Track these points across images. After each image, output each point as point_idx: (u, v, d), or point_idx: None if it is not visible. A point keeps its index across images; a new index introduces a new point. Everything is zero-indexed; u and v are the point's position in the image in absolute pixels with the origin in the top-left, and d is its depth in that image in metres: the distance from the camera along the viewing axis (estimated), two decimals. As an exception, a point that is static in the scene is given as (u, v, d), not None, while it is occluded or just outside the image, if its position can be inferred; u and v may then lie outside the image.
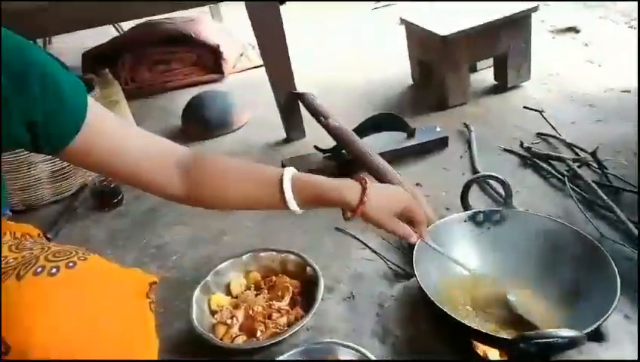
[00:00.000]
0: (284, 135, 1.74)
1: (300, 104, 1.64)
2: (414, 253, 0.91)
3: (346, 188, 0.76)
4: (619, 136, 1.41)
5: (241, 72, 2.52)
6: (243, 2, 1.48)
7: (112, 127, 0.68)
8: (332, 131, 1.38)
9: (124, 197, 1.52)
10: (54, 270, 0.48)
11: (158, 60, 2.42)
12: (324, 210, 1.14)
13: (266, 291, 1.05)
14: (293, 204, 0.74)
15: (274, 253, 1.11)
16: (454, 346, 0.86)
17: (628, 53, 1.94)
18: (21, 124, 0.59)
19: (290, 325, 0.96)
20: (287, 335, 0.92)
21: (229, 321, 0.98)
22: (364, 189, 0.76)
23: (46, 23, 1.38)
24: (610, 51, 2.00)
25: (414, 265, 0.90)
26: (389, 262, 1.10)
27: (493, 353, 0.84)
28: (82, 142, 0.64)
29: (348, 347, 0.87)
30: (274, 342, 0.92)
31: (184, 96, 2.09)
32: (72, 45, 3.16)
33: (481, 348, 0.85)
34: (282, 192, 0.73)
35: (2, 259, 0.51)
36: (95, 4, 1.36)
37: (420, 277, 0.88)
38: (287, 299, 1.02)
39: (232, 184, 0.75)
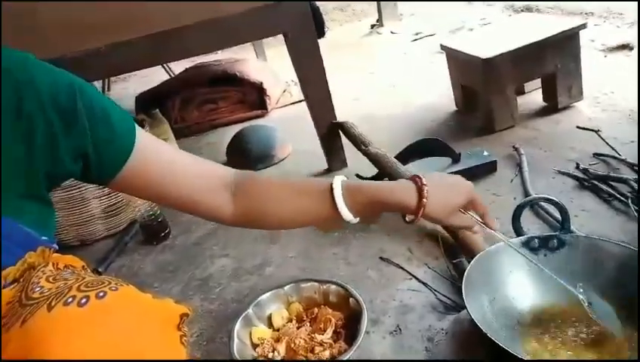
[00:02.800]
0: (325, 165, 1.74)
1: (342, 134, 1.63)
2: (463, 282, 0.86)
3: (402, 189, 0.73)
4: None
5: (283, 107, 2.57)
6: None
7: (161, 152, 0.70)
8: (373, 158, 1.36)
9: (172, 231, 1.55)
10: (84, 300, 0.47)
11: (205, 100, 2.52)
12: (368, 238, 1.11)
13: (308, 323, 1.02)
14: (345, 212, 0.71)
15: (316, 283, 1.07)
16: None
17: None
18: (72, 158, 0.61)
19: (333, 359, 0.91)
20: None
21: (270, 355, 0.95)
22: (420, 188, 0.72)
23: (101, 66, 1.46)
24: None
25: (464, 296, 0.84)
26: (437, 293, 1.04)
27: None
28: (132, 169, 0.65)
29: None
30: None
31: (230, 132, 2.14)
32: (126, 92, 3.37)
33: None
34: (334, 200, 0.70)
35: (39, 288, 0.51)
36: (146, 45, 1.43)
37: (470, 308, 0.82)
38: (329, 332, 0.97)
39: (283, 199, 0.74)
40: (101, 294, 0.48)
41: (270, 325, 1.04)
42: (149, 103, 2.37)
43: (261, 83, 2.48)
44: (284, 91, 2.71)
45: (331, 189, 0.71)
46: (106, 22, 1.37)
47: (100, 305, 0.47)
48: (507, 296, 0.92)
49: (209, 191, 0.72)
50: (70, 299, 0.47)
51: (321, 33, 1.56)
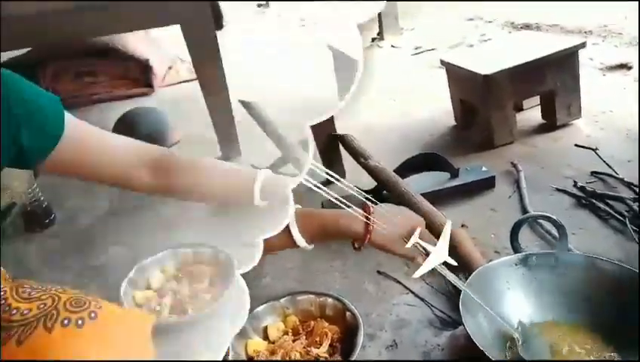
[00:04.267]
0: (218, 153, 1.72)
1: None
2: (461, 297, 0.86)
3: (351, 217, 0.79)
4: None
5: (169, 85, 2.45)
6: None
7: (89, 132, 0.76)
8: (372, 171, 1.36)
9: (56, 217, 1.51)
10: (80, 321, 0.53)
11: (83, 72, 2.35)
12: (365, 251, 1.10)
13: (304, 337, 1.01)
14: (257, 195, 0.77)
15: (312, 296, 1.07)
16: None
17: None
18: (7, 146, 0.66)
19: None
20: (216, 305, 0.87)
21: (157, 308, 0.95)
22: (367, 218, 0.78)
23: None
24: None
25: (461, 312, 0.84)
26: (434, 308, 1.04)
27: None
28: (64, 149, 0.71)
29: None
30: (207, 312, 0.87)
31: (113, 111, 2.05)
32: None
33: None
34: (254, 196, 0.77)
35: (15, 310, 0.55)
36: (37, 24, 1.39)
37: (467, 324, 0.82)
38: (325, 346, 0.97)
39: (206, 177, 0.82)
40: (93, 315, 0.53)
41: (265, 337, 1.03)
42: (16, 72, 2.29)
43: (147, 60, 2.34)
44: (170, 68, 2.57)
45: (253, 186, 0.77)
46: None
47: (95, 326, 0.53)
48: (504, 312, 0.92)
49: (135, 168, 0.79)
50: (66, 321, 0.52)
51: (219, 25, 1.57)
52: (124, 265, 1.22)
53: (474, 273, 0.92)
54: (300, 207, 0.80)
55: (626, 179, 1.32)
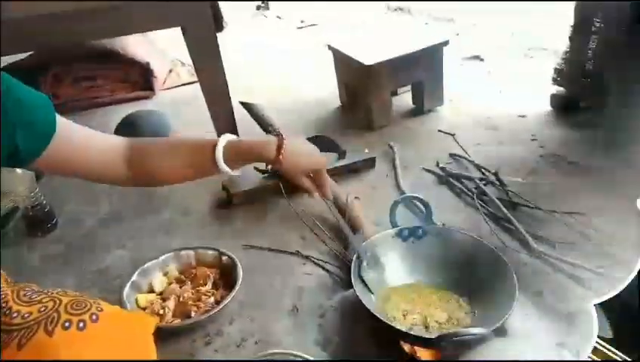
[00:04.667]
0: None
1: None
2: (352, 262, 1.04)
3: (267, 144, 0.93)
4: (516, 156, 1.65)
5: (170, 88, 2.53)
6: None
7: (76, 130, 0.80)
8: None
9: (58, 222, 1.50)
10: (81, 324, 0.55)
11: (82, 76, 2.36)
12: (265, 228, 1.23)
13: (189, 282, 1.16)
14: (224, 167, 0.90)
15: (191, 251, 1.23)
16: (388, 349, 0.99)
17: (524, 81, 2.24)
18: (6, 145, 0.68)
19: (218, 303, 1.08)
20: (221, 307, 1.06)
21: (161, 312, 1.07)
22: (279, 146, 0.92)
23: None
24: (509, 78, 2.30)
25: (352, 273, 1.02)
26: (329, 273, 1.21)
27: (422, 352, 0.98)
28: (56, 147, 0.75)
29: (292, 354, 0.98)
30: (211, 314, 1.04)
31: (114, 114, 2.07)
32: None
33: (411, 348, 0.99)
34: (214, 157, 0.89)
35: (16, 313, 0.56)
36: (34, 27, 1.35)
37: (356, 285, 1.00)
38: (209, 284, 1.15)
39: (168, 158, 0.89)
40: (94, 317, 0.56)
41: (152, 291, 1.16)
42: (19, 78, 2.16)
43: (147, 63, 2.40)
44: (171, 71, 2.65)
45: (214, 148, 0.89)
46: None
47: (97, 328, 0.55)
48: (384, 276, 1.12)
49: (114, 162, 0.85)
50: (67, 324, 0.54)
51: (219, 27, 1.61)
52: (126, 268, 1.25)
53: (365, 242, 1.11)
54: (231, 138, 0.91)
55: (475, 162, 1.62)
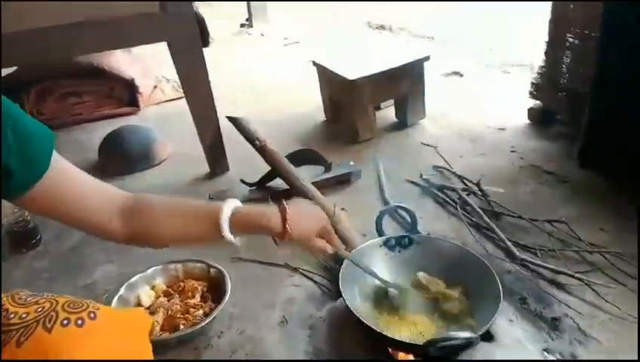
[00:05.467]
0: (206, 169, 1.81)
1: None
2: (340, 273, 1.05)
3: (271, 215, 0.85)
4: (497, 167, 1.70)
5: (155, 104, 2.54)
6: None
7: (73, 174, 0.74)
8: (268, 156, 1.50)
9: (43, 238, 1.49)
10: (80, 321, 0.56)
11: (67, 93, 2.36)
12: (254, 241, 1.24)
13: (177, 296, 1.16)
14: (229, 236, 0.81)
15: (179, 264, 1.23)
16: (377, 356, 1.00)
17: (502, 95, 2.31)
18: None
19: (207, 316, 1.08)
20: (209, 320, 1.06)
21: None
22: (284, 218, 0.85)
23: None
24: (488, 93, 2.37)
25: (340, 284, 1.04)
26: (317, 284, 1.22)
27: (410, 357, 1.00)
28: (44, 186, 0.69)
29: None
30: (200, 327, 1.04)
31: (99, 130, 2.07)
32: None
33: (399, 354, 1.00)
34: (219, 225, 0.80)
35: (13, 314, 0.56)
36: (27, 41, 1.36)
37: (345, 293, 1.02)
38: (197, 297, 1.15)
39: (168, 222, 0.82)
40: (92, 315, 0.57)
41: (139, 305, 1.15)
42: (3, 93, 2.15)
43: (132, 79, 2.41)
44: (155, 87, 2.66)
45: (218, 218, 0.79)
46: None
47: (95, 324, 0.56)
48: (372, 283, 1.14)
49: (106, 214, 0.77)
50: (66, 321, 0.55)
51: (205, 43, 1.63)
52: (113, 282, 1.24)
53: (353, 251, 1.13)
54: (235, 205, 0.84)
55: (457, 173, 1.65)
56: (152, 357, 0.63)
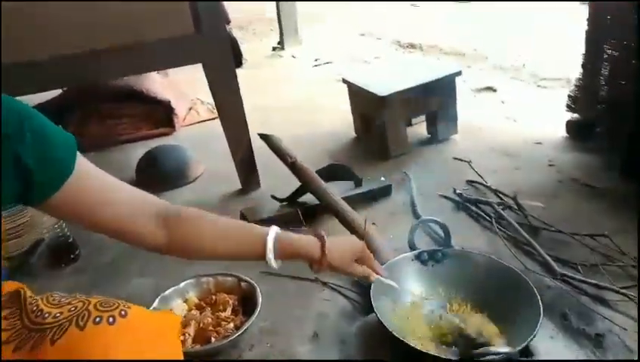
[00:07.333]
0: (238, 186, 1.84)
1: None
2: (372, 288, 1.04)
3: (310, 245, 0.88)
4: (534, 182, 1.65)
5: (190, 125, 2.61)
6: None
7: (99, 179, 0.74)
8: (298, 171, 1.51)
9: (81, 252, 1.53)
10: (111, 319, 0.57)
11: (107, 115, 2.45)
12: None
13: (209, 309, 1.17)
14: (273, 262, 0.84)
15: (210, 277, 1.24)
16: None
17: (538, 110, 2.26)
18: (17, 179, 0.63)
19: (238, 329, 1.08)
20: (240, 333, 1.06)
21: (181, 338, 1.06)
22: (322, 245, 0.88)
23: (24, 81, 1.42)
24: (523, 108, 2.32)
25: (372, 300, 1.02)
26: (348, 299, 1.21)
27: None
28: (70, 190, 0.69)
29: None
30: (231, 339, 1.05)
31: (137, 150, 2.13)
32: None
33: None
34: (264, 250, 0.83)
35: (47, 314, 0.59)
36: (61, 66, 1.43)
37: (377, 310, 1.00)
38: (229, 310, 1.15)
39: (216, 239, 0.83)
40: (123, 313, 0.58)
41: None
42: (48, 116, 2.26)
43: (169, 101, 2.49)
44: (190, 109, 2.74)
45: (265, 242, 0.83)
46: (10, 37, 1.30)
47: (127, 322, 0.58)
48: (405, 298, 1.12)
49: (139, 220, 0.76)
50: (98, 319, 0.57)
51: (238, 63, 1.67)
52: (147, 296, 1.27)
53: (384, 264, 1.11)
54: (278, 231, 0.86)
55: (492, 187, 1.62)
56: (182, 357, 0.64)
